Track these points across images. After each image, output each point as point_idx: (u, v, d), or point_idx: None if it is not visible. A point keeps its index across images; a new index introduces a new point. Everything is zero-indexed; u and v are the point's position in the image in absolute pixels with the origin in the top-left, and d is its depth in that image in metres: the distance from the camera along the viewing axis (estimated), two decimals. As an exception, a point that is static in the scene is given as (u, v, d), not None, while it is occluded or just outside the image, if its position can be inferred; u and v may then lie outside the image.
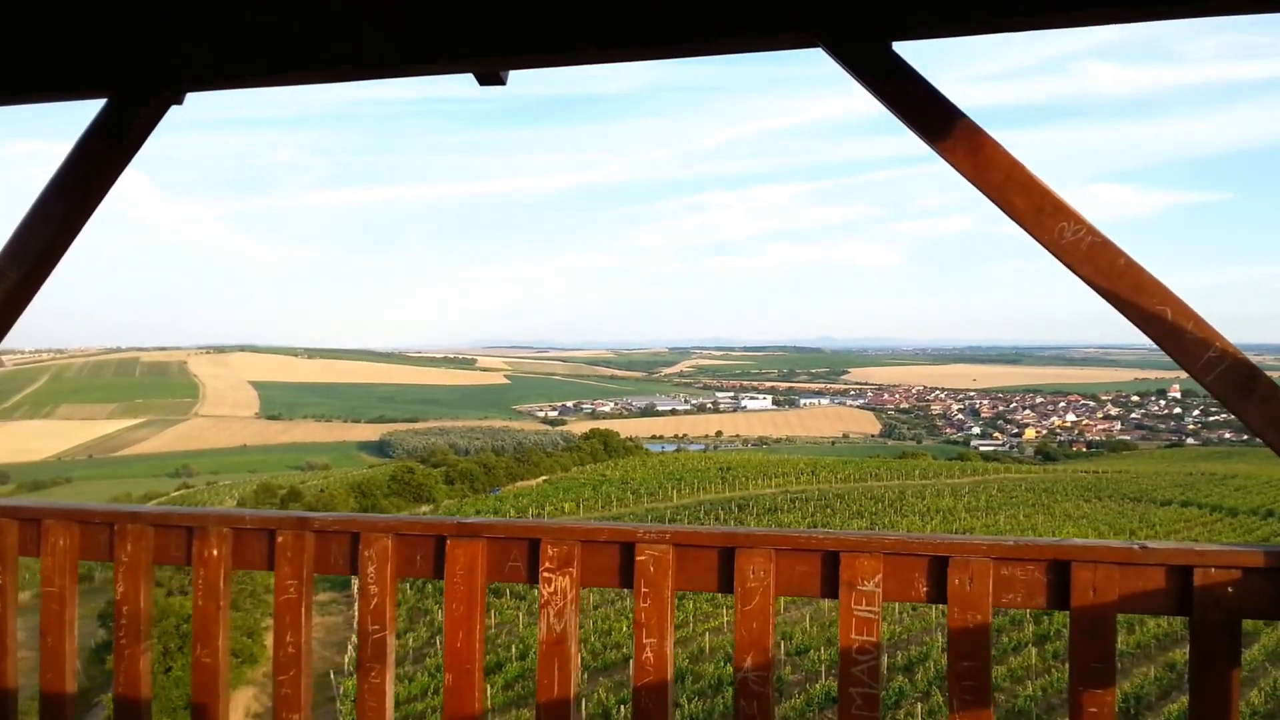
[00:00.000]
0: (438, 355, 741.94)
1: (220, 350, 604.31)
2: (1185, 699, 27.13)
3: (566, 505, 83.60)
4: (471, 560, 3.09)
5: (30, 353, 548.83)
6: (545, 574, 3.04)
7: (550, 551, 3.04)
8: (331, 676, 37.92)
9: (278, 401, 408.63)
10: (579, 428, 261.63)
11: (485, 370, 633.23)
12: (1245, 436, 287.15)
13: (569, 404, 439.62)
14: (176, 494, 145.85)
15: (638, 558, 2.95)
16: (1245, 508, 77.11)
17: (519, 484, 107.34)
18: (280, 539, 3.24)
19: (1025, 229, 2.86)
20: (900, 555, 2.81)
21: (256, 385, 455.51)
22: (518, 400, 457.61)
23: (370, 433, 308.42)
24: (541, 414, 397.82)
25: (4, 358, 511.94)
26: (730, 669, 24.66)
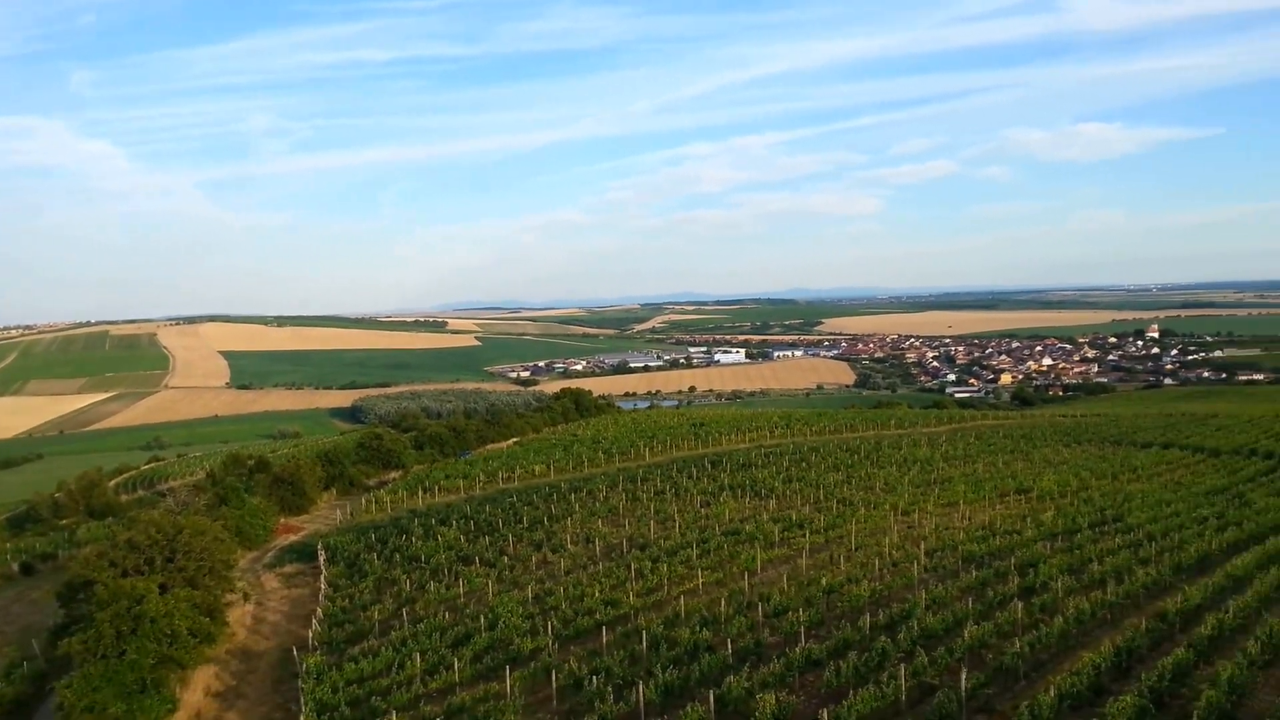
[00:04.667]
0: (408, 319, 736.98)
1: (190, 321, 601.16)
2: (1178, 650, 26.02)
3: (537, 467, 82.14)
4: None
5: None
6: None
7: None
8: (295, 653, 36.45)
9: (248, 371, 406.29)
10: (551, 387, 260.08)
11: (456, 332, 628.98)
12: (1224, 375, 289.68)
13: (541, 363, 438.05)
14: (147, 466, 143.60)
15: None
16: (1228, 447, 76.66)
17: (489, 446, 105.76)
18: None
19: None
20: None
21: (227, 355, 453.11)
22: (489, 361, 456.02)
23: (342, 399, 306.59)
24: (513, 374, 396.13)
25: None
26: (706, 634, 23.08)
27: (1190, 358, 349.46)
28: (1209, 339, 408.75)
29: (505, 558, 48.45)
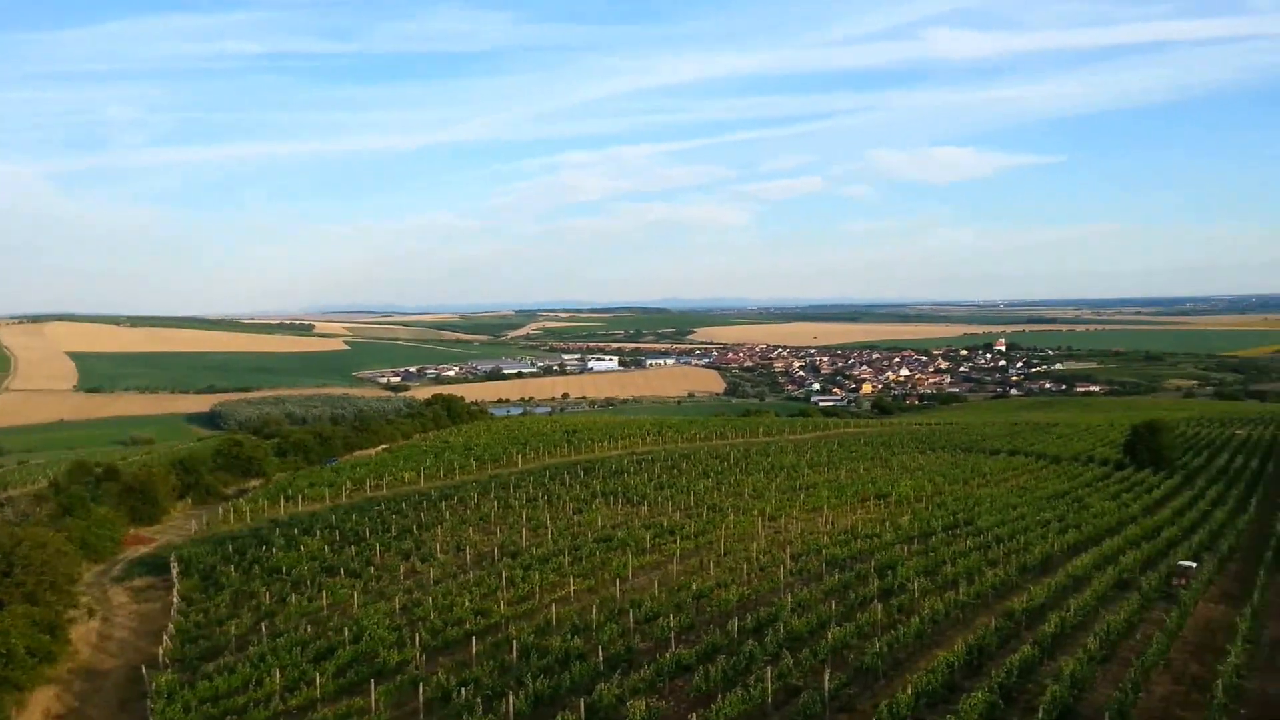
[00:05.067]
0: (272, 321, 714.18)
1: (35, 320, 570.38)
2: (1025, 648, 27.23)
3: (407, 475, 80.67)
4: None
5: None
6: None
7: None
8: (144, 671, 34.79)
9: (98, 373, 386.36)
10: (423, 393, 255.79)
11: (323, 336, 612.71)
12: (1063, 386, 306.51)
13: (412, 369, 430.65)
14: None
15: None
16: (1067, 454, 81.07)
17: (357, 454, 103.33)
18: None
19: None
20: None
21: (75, 356, 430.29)
22: (358, 366, 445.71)
23: (200, 404, 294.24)
24: (383, 380, 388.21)
25: None
26: (578, 641, 23.10)
27: (1034, 370, 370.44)
28: (1050, 352, 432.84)
29: (372, 568, 47.38)
